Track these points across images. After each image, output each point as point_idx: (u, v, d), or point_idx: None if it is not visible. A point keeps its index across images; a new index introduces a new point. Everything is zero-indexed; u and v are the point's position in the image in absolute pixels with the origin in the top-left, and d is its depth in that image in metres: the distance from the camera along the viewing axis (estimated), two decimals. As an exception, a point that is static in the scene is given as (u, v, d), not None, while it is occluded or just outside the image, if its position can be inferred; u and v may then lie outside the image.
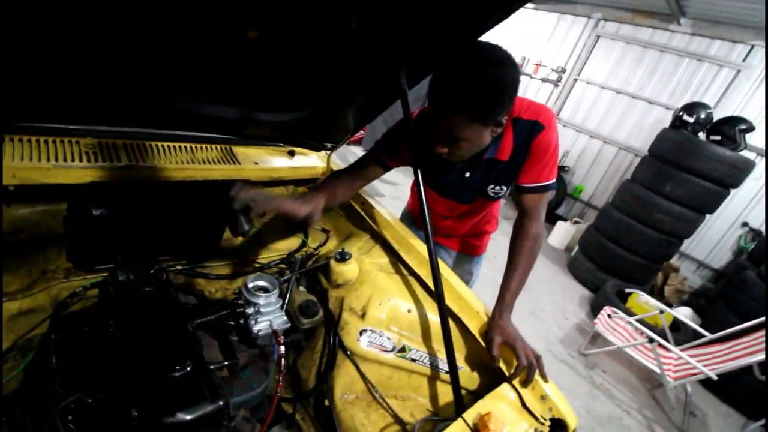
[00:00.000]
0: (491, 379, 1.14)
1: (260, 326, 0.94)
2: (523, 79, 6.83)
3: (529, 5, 6.35)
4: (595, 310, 3.81)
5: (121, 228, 1.09)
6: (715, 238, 4.85)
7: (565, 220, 5.79)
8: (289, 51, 1.05)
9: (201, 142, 1.33)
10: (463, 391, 1.13)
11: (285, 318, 0.99)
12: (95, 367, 0.84)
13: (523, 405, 1.01)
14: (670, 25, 5.12)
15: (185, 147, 1.28)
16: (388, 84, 1.25)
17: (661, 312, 3.18)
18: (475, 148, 1.11)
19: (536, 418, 0.98)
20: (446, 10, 0.99)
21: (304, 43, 1.03)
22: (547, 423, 0.97)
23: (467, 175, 1.28)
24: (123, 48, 0.87)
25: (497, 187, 1.30)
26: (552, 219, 5.93)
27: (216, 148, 1.37)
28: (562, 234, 5.58)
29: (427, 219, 1.15)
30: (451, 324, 1.14)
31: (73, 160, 1.04)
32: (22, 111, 0.92)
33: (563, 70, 6.32)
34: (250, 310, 0.96)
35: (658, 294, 4.54)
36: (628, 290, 3.61)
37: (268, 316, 0.96)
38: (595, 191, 6.01)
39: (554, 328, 3.56)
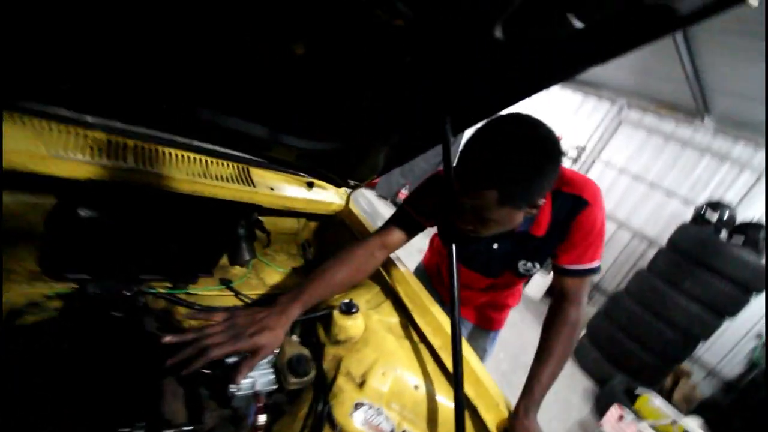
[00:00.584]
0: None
1: (241, 386, 0.76)
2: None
3: (557, 84, 6.55)
4: (599, 407, 3.48)
5: (107, 235, 0.96)
6: (728, 346, 4.59)
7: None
8: (332, 75, 0.96)
9: (217, 157, 1.23)
10: (467, 502, 0.92)
11: (272, 377, 0.82)
12: (33, 399, 0.66)
13: None
14: (694, 120, 5.20)
15: (199, 159, 1.17)
16: (429, 128, 1.16)
17: (674, 422, 2.89)
18: (504, 229, 0.95)
19: None
20: (503, 64, 0.91)
21: (351, 69, 0.95)
22: None
23: (495, 246, 1.13)
24: (155, 40, 0.78)
25: (529, 264, 1.15)
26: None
27: (232, 165, 1.26)
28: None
29: (456, 294, 0.99)
30: (466, 414, 0.95)
31: (76, 154, 0.92)
32: (28, 89, 0.82)
33: (583, 149, 6.39)
34: (230, 360, 0.79)
35: (666, 398, 4.20)
36: (638, 391, 3.32)
37: (252, 373, 0.79)
38: (606, 275, 5.83)
39: (555, 422, 3.24)
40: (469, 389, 1.01)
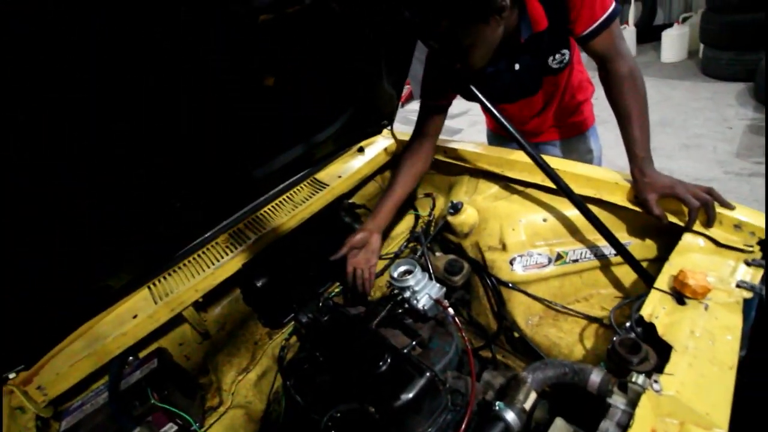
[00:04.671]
0: (670, 238, 1.05)
1: (423, 302, 1.03)
2: None
3: None
4: (761, 98, 3.07)
5: (282, 284, 1.30)
6: None
7: (671, 25, 4.76)
8: (304, 72, 1.10)
9: (291, 188, 1.49)
10: (645, 263, 1.06)
11: (438, 285, 1.07)
12: (328, 390, 1.03)
13: (718, 245, 0.90)
14: None
15: (284, 199, 1.45)
16: (398, 30, 1.21)
17: None
18: (489, 47, 0.97)
19: (740, 250, 0.86)
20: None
21: (311, 55, 1.07)
22: (756, 248, 0.85)
23: (517, 67, 1.16)
24: (207, 158, 1.03)
25: (557, 56, 1.15)
26: (653, 35, 4.93)
27: (304, 185, 1.51)
28: (675, 43, 4.62)
29: (509, 125, 1.09)
30: (596, 209, 1.07)
31: (222, 258, 1.26)
32: (171, 248, 1.17)
33: None
34: (407, 294, 1.06)
35: None
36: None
37: (424, 291, 1.05)
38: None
39: (721, 145, 2.99)
40: (585, 189, 1.12)
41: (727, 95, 3.55)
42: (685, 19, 4.70)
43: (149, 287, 1.18)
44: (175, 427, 1.05)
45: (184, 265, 1.25)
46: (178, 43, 0.73)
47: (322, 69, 1.10)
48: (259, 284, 1.25)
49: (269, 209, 1.40)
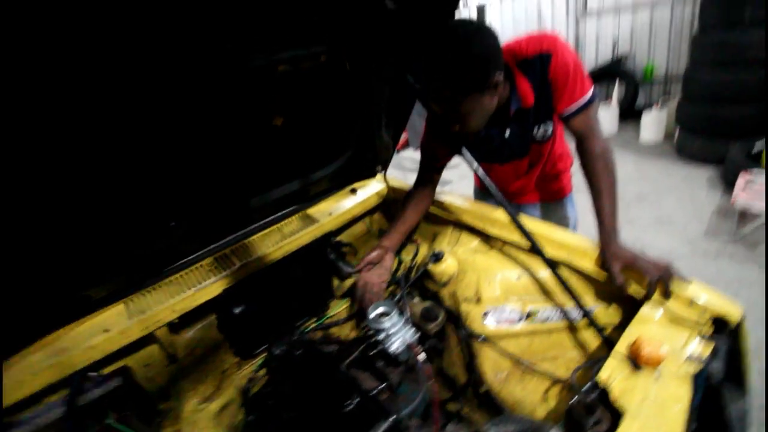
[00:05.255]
0: (632, 307, 1.11)
1: (395, 345, 1.05)
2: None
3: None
4: (729, 183, 3.31)
5: (259, 314, 1.31)
6: None
7: (650, 107, 5.15)
8: (310, 116, 1.19)
9: (282, 219, 1.53)
10: (609, 329, 1.11)
11: (413, 330, 1.09)
12: (290, 428, 1.02)
13: (674, 317, 0.97)
14: None
15: (273, 230, 1.49)
16: (400, 90, 1.33)
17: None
18: (484, 114, 1.12)
19: (694, 324, 0.93)
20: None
21: (319, 102, 1.16)
22: (708, 324, 0.92)
23: (507, 134, 1.30)
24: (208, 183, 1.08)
25: (542, 128, 1.30)
26: (634, 115, 5.33)
27: (295, 218, 1.55)
28: (653, 125, 4.97)
29: (493, 186, 1.19)
30: (566, 272, 1.14)
31: (205, 281, 1.27)
32: (156, 265, 1.18)
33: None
34: (381, 336, 1.08)
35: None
36: (756, 148, 3.08)
37: (399, 335, 1.07)
38: (669, 62, 5.28)
39: (692, 223, 3.17)
40: (558, 252, 1.19)
41: (699, 177, 3.81)
42: (663, 103, 5.11)
43: (126, 302, 1.18)
44: (127, 452, 1.01)
45: (165, 284, 1.25)
46: (194, 80, 0.81)
47: (327, 114, 1.19)
48: (236, 311, 1.26)
49: (257, 238, 1.43)
